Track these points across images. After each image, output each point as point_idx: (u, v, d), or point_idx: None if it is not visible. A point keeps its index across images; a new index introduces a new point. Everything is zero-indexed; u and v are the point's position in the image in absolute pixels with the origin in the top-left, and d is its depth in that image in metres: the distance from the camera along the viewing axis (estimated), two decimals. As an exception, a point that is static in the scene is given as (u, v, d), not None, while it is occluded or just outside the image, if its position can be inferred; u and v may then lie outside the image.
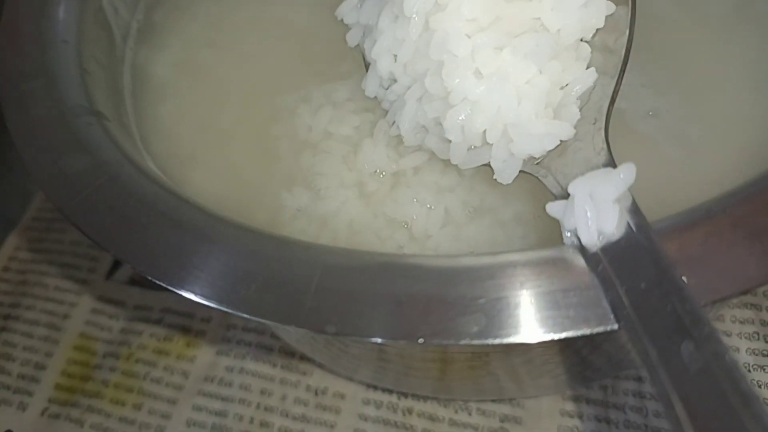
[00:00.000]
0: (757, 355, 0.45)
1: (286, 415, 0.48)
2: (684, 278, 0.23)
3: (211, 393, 0.50)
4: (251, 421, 0.49)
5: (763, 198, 0.26)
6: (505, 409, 0.46)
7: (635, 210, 0.25)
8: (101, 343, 0.55)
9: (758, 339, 0.46)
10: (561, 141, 0.31)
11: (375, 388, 0.48)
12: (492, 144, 0.31)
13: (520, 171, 0.32)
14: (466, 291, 0.25)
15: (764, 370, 0.44)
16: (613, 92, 0.31)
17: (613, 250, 0.25)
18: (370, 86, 0.36)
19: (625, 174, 0.26)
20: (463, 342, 0.24)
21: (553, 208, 0.28)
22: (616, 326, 0.24)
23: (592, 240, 0.25)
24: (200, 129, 0.39)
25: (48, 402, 0.52)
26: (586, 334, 0.24)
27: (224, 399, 0.50)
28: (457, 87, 0.31)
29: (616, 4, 0.33)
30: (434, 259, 0.27)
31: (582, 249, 0.25)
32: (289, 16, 0.43)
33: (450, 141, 0.32)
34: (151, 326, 0.54)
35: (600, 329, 0.24)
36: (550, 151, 0.31)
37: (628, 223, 0.25)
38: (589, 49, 0.33)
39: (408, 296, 0.25)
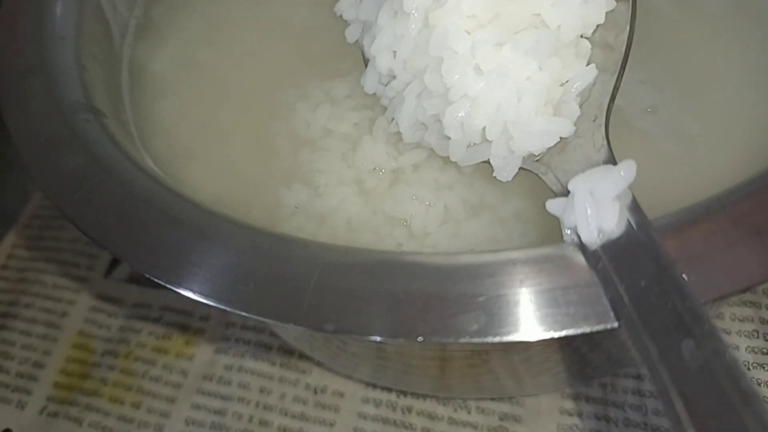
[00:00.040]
0: (756, 353, 0.45)
1: (285, 414, 0.48)
2: (684, 276, 0.23)
3: (210, 391, 0.50)
4: (250, 419, 0.48)
5: (764, 195, 0.26)
6: (504, 407, 0.46)
7: (635, 207, 0.25)
8: (100, 341, 0.54)
9: (758, 337, 0.46)
10: (561, 138, 0.31)
11: (374, 386, 0.48)
12: (491, 141, 0.31)
13: (520, 168, 0.32)
14: (466, 289, 0.25)
15: (764, 368, 0.44)
16: (614, 89, 0.31)
17: (613, 248, 0.25)
18: (369, 83, 0.36)
19: (625, 171, 0.26)
20: (462, 340, 0.24)
21: (553, 205, 0.28)
22: (616, 324, 0.24)
23: (592, 237, 0.25)
24: (199, 126, 0.39)
25: (47, 400, 0.52)
26: (585, 332, 0.24)
27: (223, 397, 0.50)
28: (456, 83, 0.30)
29: (617, 1, 0.33)
30: (433, 257, 0.27)
31: (582, 246, 0.25)
32: (288, 12, 0.43)
33: (449, 138, 0.32)
34: (150, 324, 0.54)
35: (600, 327, 0.24)
36: (550, 148, 0.31)
37: (629, 221, 0.25)
38: (590, 46, 0.33)
39: (407, 294, 0.25)
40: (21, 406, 0.52)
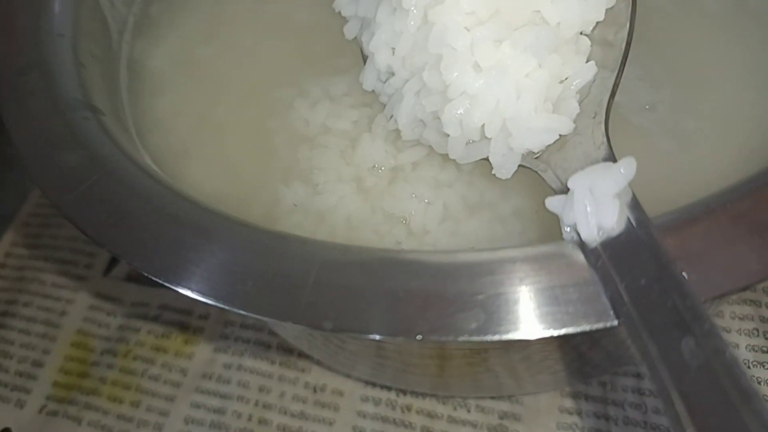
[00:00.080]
0: (756, 351, 0.45)
1: (285, 412, 0.48)
2: (684, 274, 0.23)
3: (210, 390, 0.50)
4: (249, 418, 0.48)
5: (764, 194, 0.26)
6: (503, 405, 0.46)
7: (635, 205, 0.25)
8: (99, 340, 0.54)
9: (758, 335, 0.46)
10: (560, 135, 0.31)
11: (373, 385, 0.48)
12: (490, 138, 0.31)
13: (520, 165, 0.31)
14: (465, 287, 0.25)
15: (764, 366, 0.44)
16: (614, 86, 0.31)
17: (612, 246, 0.24)
18: (368, 79, 0.36)
19: (625, 168, 0.26)
20: (461, 338, 0.24)
21: (553, 203, 0.28)
22: (615, 322, 0.23)
23: (591, 235, 0.25)
24: (197, 123, 0.39)
25: (46, 399, 0.52)
26: (585, 331, 0.24)
27: (222, 396, 0.50)
28: (455, 81, 0.30)
29: (616, -2, 0.33)
30: (433, 255, 0.27)
31: (581, 244, 0.25)
32: (287, 9, 0.43)
33: (448, 135, 0.32)
34: (149, 323, 0.54)
35: (600, 325, 0.24)
36: (549, 145, 0.31)
37: (628, 219, 0.25)
38: (589, 43, 0.33)
39: (406, 292, 0.25)
40: (20, 404, 0.52)
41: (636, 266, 0.24)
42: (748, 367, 0.44)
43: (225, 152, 0.37)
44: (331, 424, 0.47)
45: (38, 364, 0.54)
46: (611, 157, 0.28)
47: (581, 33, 0.33)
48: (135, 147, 0.35)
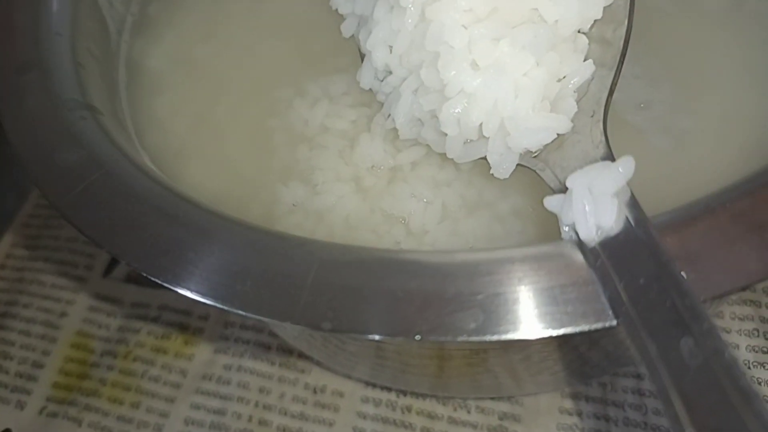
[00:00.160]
0: (756, 352, 0.45)
1: (285, 413, 0.48)
2: (683, 273, 0.23)
3: (210, 391, 0.50)
4: (249, 419, 0.48)
5: (763, 193, 0.26)
6: (503, 406, 0.46)
7: (634, 204, 0.25)
8: (99, 341, 0.54)
9: (758, 336, 0.45)
10: (558, 135, 0.31)
11: (374, 385, 0.48)
12: (488, 137, 0.31)
13: (518, 164, 0.31)
14: (464, 287, 0.25)
15: (764, 367, 0.44)
16: (612, 84, 0.31)
17: (611, 245, 0.24)
18: (365, 78, 0.36)
19: (623, 167, 0.26)
20: (460, 339, 0.24)
21: (551, 202, 0.27)
22: (614, 322, 0.23)
23: (590, 234, 0.25)
24: (195, 123, 0.38)
25: (46, 400, 0.52)
26: (584, 331, 0.24)
27: (222, 397, 0.50)
28: (453, 79, 0.30)
29: (614, -4, 0.33)
30: (432, 255, 0.27)
31: (580, 243, 0.25)
32: (285, 8, 0.43)
33: (446, 134, 0.32)
34: (149, 324, 0.54)
35: (598, 325, 0.23)
36: (547, 144, 0.31)
37: (627, 218, 0.25)
38: (587, 41, 0.33)
39: (405, 292, 0.25)
40: (20, 406, 0.52)
41: (635, 265, 0.24)
42: (748, 368, 0.44)
43: (224, 152, 0.37)
44: (331, 425, 0.47)
45: (38, 365, 0.54)
46: (610, 156, 0.28)
47: (579, 31, 0.33)
48: (134, 147, 0.35)
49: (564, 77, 0.32)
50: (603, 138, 0.29)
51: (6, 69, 0.35)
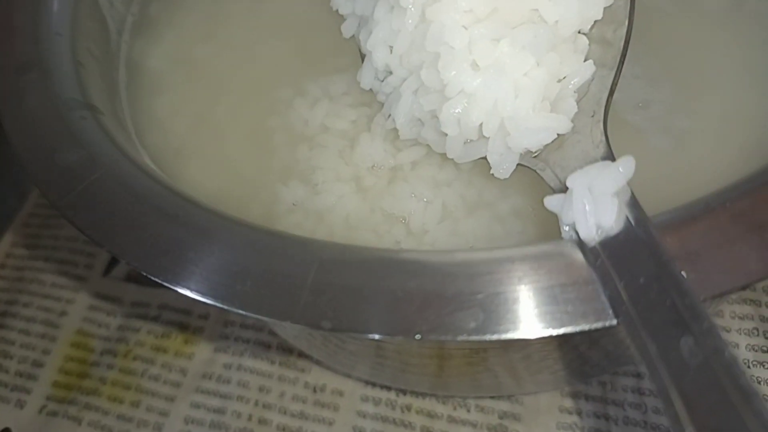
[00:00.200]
0: (756, 351, 0.45)
1: (285, 412, 0.48)
2: (683, 273, 0.23)
3: (209, 390, 0.50)
4: (249, 418, 0.48)
5: (763, 193, 0.26)
6: (503, 405, 0.46)
7: (634, 204, 0.25)
8: (98, 340, 0.54)
9: (758, 335, 0.45)
10: (558, 135, 0.31)
11: (373, 384, 0.48)
12: (489, 137, 0.31)
13: (518, 164, 0.31)
14: (464, 286, 0.25)
15: (764, 366, 0.44)
16: (612, 84, 0.31)
17: (611, 245, 0.24)
18: (366, 78, 0.36)
19: (624, 167, 0.26)
20: (460, 338, 0.24)
21: (552, 201, 0.27)
22: (614, 321, 0.23)
23: (590, 234, 0.25)
24: (195, 122, 0.38)
25: (46, 399, 0.52)
26: (584, 330, 0.24)
27: (222, 396, 0.50)
28: (453, 79, 0.30)
29: (614, -4, 0.33)
30: (432, 254, 0.27)
31: (580, 243, 0.25)
32: (285, 8, 0.43)
33: (446, 134, 0.32)
34: (149, 323, 0.54)
35: (599, 325, 0.24)
36: (547, 144, 0.31)
37: (627, 217, 0.25)
38: (587, 42, 0.33)
39: (405, 292, 0.25)
40: (20, 405, 0.52)
41: (635, 265, 0.24)
42: (748, 367, 0.44)
43: (224, 152, 0.37)
44: (330, 424, 0.47)
45: (38, 364, 0.54)
46: (610, 156, 0.28)
47: (579, 31, 0.33)
48: (134, 146, 0.35)
49: (564, 77, 0.32)
50: (603, 138, 0.29)
51: (6, 69, 0.35)
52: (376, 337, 0.24)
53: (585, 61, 0.32)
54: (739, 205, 0.25)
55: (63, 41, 0.37)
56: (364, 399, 0.48)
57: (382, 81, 0.35)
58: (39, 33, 0.37)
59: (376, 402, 0.47)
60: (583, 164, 0.28)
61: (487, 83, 0.30)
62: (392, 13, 0.32)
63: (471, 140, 0.32)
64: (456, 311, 0.24)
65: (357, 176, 0.35)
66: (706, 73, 0.36)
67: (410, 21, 0.31)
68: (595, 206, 0.25)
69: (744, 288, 0.26)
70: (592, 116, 0.30)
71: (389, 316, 0.24)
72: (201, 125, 0.38)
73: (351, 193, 0.34)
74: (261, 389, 0.49)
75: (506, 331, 0.24)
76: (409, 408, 0.47)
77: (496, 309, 0.24)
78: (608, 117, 0.31)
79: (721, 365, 0.21)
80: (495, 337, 0.24)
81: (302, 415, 0.48)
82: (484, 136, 0.31)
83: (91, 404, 0.51)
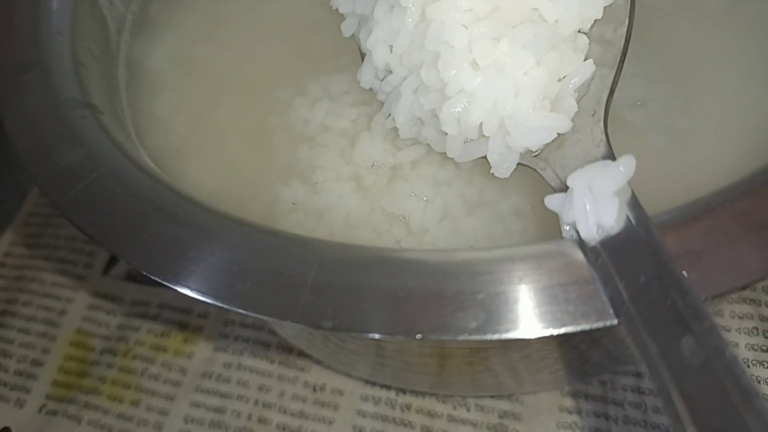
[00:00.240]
0: (756, 350, 0.45)
1: (284, 412, 0.48)
2: (684, 272, 0.23)
3: (209, 389, 0.50)
4: (249, 417, 0.48)
5: (764, 192, 0.26)
6: (503, 404, 0.46)
7: (635, 203, 0.25)
8: (98, 339, 0.54)
9: (757, 334, 0.45)
10: (558, 134, 0.31)
11: (373, 384, 0.48)
12: (489, 137, 0.31)
13: (519, 163, 0.31)
14: (464, 286, 0.25)
15: (763, 365, 0.44)
16: (612, 83, 0.31)
17: (612, 244, 0.24)
18: (366, 77, 0.36)
19: (624, 166, 0.26)
20: (461, 338, 0.24)
21: (552, 201, 0.27)
22: (615, 321, 0.23)
23: (591, 233, 0.25)
24: (196, 122, 0.38)
25: (45, 399, 0.52)
26: (585, 330, 0.24)
27: (222, 395, 0.50)
28: (453, 78, 0.30)
29: (614, -5, 0.33)
30: (432, 254, 0.27)
31: (581, 242, 0.25)
32: (285, 8, 0.42)
33: (446, 134, 0.32)
34: (149, 322, 0.54)
35: (599, 324, 0.24)
36: (547, 143, 0.31)
37: (628, 217, 0.25)
38: (587, 41, 0.33)
39: (405, 291, 0.25)
40: (20, 404, 0.52)
41: (635, 264, 0.24)
42: (748, 366, 0.44)
43: (224, 151, 0.37)
44: (330, 423, 0.47)
45: (38, 363, 0.54)
46: (610, 155, 0.28)
47: (579, 31, 0.33)
48: (134, 146, 0.35)
49: (564, 77, 0.32)
50: (604, 137, 0.29)
51: (6, 69, 0.35)
52: (377, 336, 0.24)
53: (585, 60, 0.32)
54: (740, 204, 0.25)
55: (63, 41, 0.37)
56: (364, 398, 0.48)
57: (382, 80, 0.35)
58: (39, 32, 0.37)
59: (376, 401, 0.47)
60: (583, 163, 0.28)
61: (487, 82, 0.30)
62: (392, 12, 0.32)
63: (471, 139, 0.32)
64: (457, 311, 0.24)
65: (357, 175, 0.35)
66: (705, 73, 0.36)
67: (410, 20, 0.31)
68: (595, 205, 0.25)
69: (744, 288, 0.26)
70: (593, 115, 0.30)
71: (390, 316, 0.24)
72: (201, 125, 0.38)
73: (351, 192, 0.34)
74: (261, 388, 0.49)
75: (507, 330, 0.24)
76: (409, 407, 0.47)
77: (496, 308, 0.24)
78: (609, 116, 0.30)
79: (722, 365, 0.21)
80: (496, 336, 0.24)
81: (302, 414, 0.48)
82: (484, 136, 0.31)
83: (91, 403, 0.51)
